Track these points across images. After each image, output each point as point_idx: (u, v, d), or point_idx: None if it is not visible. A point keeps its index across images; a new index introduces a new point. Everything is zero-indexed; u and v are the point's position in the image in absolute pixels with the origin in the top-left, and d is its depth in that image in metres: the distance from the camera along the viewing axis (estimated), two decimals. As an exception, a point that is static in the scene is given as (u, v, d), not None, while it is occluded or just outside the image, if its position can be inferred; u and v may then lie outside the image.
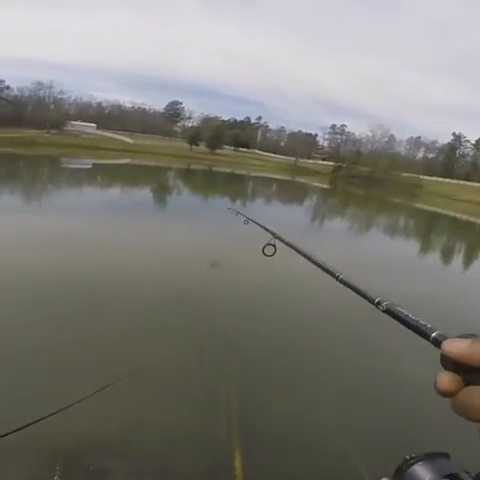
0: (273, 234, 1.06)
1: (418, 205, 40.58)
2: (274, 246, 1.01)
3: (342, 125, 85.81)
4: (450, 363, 0.33)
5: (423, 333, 0.37)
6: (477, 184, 60.31)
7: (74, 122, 64.34)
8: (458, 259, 16.19)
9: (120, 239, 9.80)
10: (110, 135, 61.42)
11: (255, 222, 1.28)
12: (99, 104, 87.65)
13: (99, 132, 64.70)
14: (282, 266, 4.34)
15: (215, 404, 3.84)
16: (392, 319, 0.41)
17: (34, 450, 3.04)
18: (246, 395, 4.06)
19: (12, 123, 49.00)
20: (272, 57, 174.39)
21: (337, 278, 0.67)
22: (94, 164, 36.47)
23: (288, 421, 3.80)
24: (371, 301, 0.48)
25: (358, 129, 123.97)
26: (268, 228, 1.14)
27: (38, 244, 8.32)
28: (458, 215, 35.65)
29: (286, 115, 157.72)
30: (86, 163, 35.86)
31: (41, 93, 64.69)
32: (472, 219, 34.00)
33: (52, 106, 63.74)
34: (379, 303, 0.45)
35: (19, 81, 75.58)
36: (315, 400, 4.18)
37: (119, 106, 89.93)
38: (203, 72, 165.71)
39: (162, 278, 7.26)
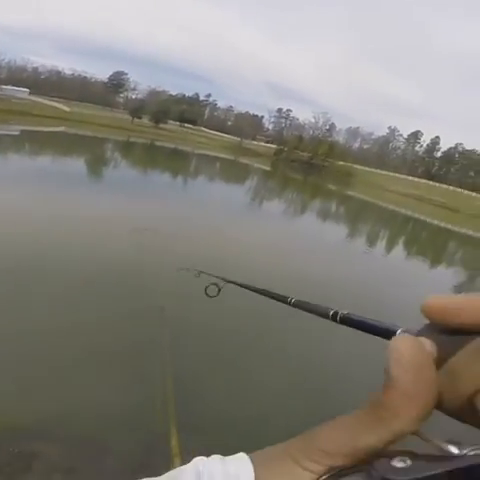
0: (222, 278, 1.00)
1: (350, 193, 43.21)
2: (217, 285, 0.96)
3: (288, 109, 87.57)
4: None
5: (387, 333, 0.32)
6: (404, 176, 65.45)
7: (4, 86, 58.98)
8: (380, 244, 17.88)
9: (43, 211, 9.47)
10: (44, 102, 57.20)
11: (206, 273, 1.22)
12: (35, 69, 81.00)
13: (32, 98, 59.93)
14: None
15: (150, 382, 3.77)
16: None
17: None
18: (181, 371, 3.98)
19: None
20: (227, 34, 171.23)
21: (289, 303, 0.64)
22: (23, 131, 34.12)
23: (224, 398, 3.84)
24: (325, 316, 0.46)
25: (302, 115, 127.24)
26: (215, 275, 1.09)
27: None
28: (385, 205, 38.68)
29: (235, 94, 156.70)
30: (14, 130, 33.45)
31: (-31, 53, 58.37)
32: (397, 209, 37.15)
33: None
34: (334, 315, 0.44)
35: None
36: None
37: (58, 72, 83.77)
38: (153, 42, 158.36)
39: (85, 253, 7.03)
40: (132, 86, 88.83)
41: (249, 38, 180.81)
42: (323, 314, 0.45)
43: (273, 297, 0.62)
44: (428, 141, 79.52)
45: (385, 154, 79.98)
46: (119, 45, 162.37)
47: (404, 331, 0.29)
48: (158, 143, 48.18)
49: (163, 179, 23.79)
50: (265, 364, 4.58)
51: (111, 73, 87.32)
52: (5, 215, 8.28)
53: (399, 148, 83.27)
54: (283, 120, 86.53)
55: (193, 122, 79.09)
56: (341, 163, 61.75)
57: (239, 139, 69.27)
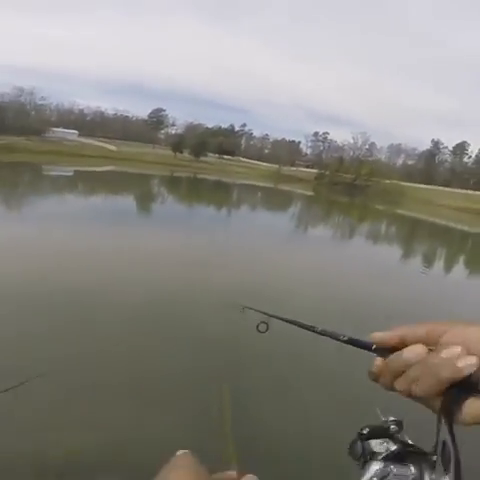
0: (268, 315, 1.04)
1: (400, 211, 41.33)
2: (267, 324, 1.00)
3: (324, 132, 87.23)
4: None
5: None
6: (455, 190, 62.04)
7: (55, 129, 63.35)
8: (438, 264, 16.59)
9: (103, 248, 9.58)
10: (92, 142, 60.70)
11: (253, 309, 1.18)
12: (81, 111, 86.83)
13: (81, 139, 63.88)
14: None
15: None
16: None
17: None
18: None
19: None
20: (257, 64, 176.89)
21: (339, 339, 0.61)
22: (76, 171, 35.87)
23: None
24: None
25: (340, 136, 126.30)
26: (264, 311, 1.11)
27: (19, 253, 8.05)
28: (437, 220, 36.51)
29: (270, 122, 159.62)
30: (67, 170, 35.23)
31: (22, 99, 63.59)
32: (451, 224, 34.85)
33: (33, 112, 62.70)
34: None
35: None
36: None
37: (101, 113, 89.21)
38: (187, 80, 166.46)
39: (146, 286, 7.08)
40: (171, 122, 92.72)
41: (277, 65, 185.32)
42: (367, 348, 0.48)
43: (321, 333, 0.65)
44: (476, 151, 75.67)
45: (432, 168, 76.77)
46: (155, 84, 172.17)
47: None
48: (200, 176, 49.04)
49: (208, 211, 23.72)
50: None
51: (150, 111, 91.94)
52: (63, 252, 8.64)
53: (446, 161, 79.76)
54: (321, 143, 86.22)
55: (231, 153, 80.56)
56: (387, 182, 59.69)
57: (277, 166, 69.32)
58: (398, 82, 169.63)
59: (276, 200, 38.93)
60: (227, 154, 78.41)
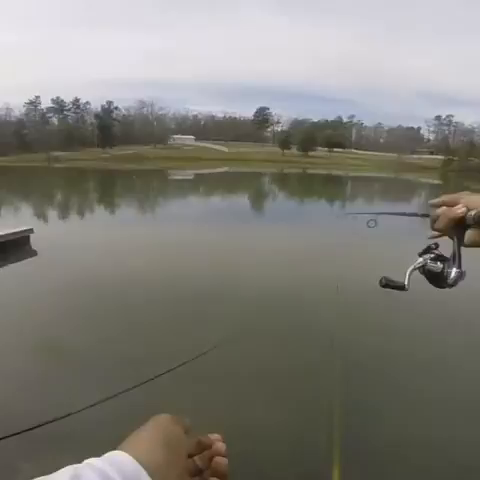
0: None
1: None
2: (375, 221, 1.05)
3: (448, 115, 77.15)
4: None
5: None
6: None
7: (175, 136, 68.83)
8: None
9: (232, 246, 9.71)
10: (207, 145, 64.33)
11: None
12: (195, 117, 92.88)
13: (197, 143, 68.26)
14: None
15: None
16: None
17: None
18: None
19: (123, 141, 54.30)
20: (357, 51, 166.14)
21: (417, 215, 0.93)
22: (196, 174, 38.26)
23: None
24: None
25: (468, 118, 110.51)
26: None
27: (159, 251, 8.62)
28: None
29: (381, 110, 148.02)
30: (189, 174, 37.79)
31: (144, 111, 70.76)
32: None
33: (155, 122, 69.20)
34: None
35: (122, 101, 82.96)
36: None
37: (212, 117, 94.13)
38: (288, 75, 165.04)
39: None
40: (276, 119, 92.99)
41: (379, 49, 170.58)
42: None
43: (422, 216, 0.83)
44: None
45: None
46: (257, 82, 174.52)
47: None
48: (310, 171, 47.84)
49: (319, 206, 22.60)
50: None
51: (255, 110, 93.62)
52: (190, 249, 9.10)
53: None
54: (445, 127, 76.55)
55: (341, 145, 77.04)
56: None
57: (396, 155, 63.73)
58: None
59: (397, 191, 35.59)
60: (337, 147, 75.18)
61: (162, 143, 60.48)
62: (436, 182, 44.40)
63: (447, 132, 75.92)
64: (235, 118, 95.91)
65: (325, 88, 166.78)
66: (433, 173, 51.89)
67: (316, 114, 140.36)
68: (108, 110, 66.31)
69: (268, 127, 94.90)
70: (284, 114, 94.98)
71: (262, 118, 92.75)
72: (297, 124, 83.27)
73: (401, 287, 0.67)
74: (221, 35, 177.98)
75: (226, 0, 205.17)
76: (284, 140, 68.05)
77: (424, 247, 0.72)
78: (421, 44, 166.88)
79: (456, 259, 0.67)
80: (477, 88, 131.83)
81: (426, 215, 0.72)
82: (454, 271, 0.66)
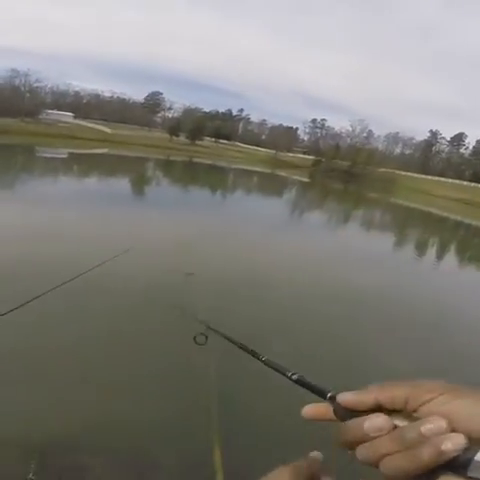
0: (206, 324, 1.06)
1: (394, 200, 41.48)
2: (206, 336, 1.02)
3: (322, 119, 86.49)
4: (342, 412, 0.38)
5: (321, 392, 0.41)
6: (451, 180, 62.12)
7: (50, 111, 62.50)
8: (431, 252, 16.84)
9: (90, 231, 9.71)
10: (87, 124, 59.99)
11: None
12: (77, 93, 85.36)
13: (76, 121, 63.11)
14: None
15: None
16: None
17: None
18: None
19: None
20: (256, 50, 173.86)
21: (262, 360, 0.62)
22: (70, 153, 35.66)
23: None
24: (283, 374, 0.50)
25: (338, 123, 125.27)
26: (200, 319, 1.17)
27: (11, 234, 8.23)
28: (432, 210, 36.72)
29: (268, 108, 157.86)
30: (62, 152, 35.03)
31: (16, 81, 62.59)
32: (445, 214, 35.10)
33: (28, 94, 61.74)
34: (291, 375, 0.48)
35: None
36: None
37: (97, 95, 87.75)
38: (185, 63, 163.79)
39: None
40: (168, 105, 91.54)
41: (275, 51, 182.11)
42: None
43: (265, 363, 0.60)
44: (473, 143, 75.56)
45: (428, 158, 76.69)
46: (153, 66, 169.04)
47: (331, 396, 0.39)
48: (196, 160, 48.82)
49: (202, 195, 23.79)
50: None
51: (147, 94, 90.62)
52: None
53: (443, 152, 79.57)
54: (318, 130, 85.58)
55: (228, 137, 79.94)
56: (382, 170, 59.68)
57: (274, 152, 68.98)
58: (397, 71, 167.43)
59: (272, 185, 38.97)
60: (224, 138, 77.84)
61: (32, 117, 54.39)
62: (305, 180, 49.80)
63: (319, 135, 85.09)
64: (124, 99, 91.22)
65: (220, 80, 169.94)
66: (304, 171, 57.88)
67: (208, 104, 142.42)
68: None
69: (159, 112, 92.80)
70: (177, 101, 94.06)
71: (154, 102, 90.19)
72: (189, 112, 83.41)
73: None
74: (121, 13, 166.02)
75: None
76: (174, 127, 67.62)
77: None
78: (311, 52, 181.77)
79: None
80: (349, 97, 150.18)
81: (317, 390, 0.43)
82: None
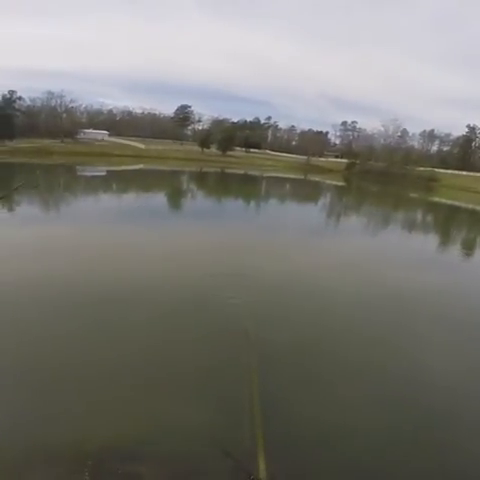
0: None
1: (435, 199, 39.80)
2: None
3: (353, 121, 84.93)
4: None
5: None
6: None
7: (86, 130, 65.07)
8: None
9: (141, 247, 9.73)
10: (122, 141, 61.94)
11: None
12: (110, 111, 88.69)
13: (111, 139, 65.37)
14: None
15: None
16: None
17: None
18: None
19: (27, 133, 49.81)
20: (279, 55, 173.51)
21: None
22: (108, 171, 36.77)
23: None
24: None
25: (370, 125, 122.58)
26: None
27: (60, 250, 8.32)
28: (477, 207, 34.94)
29: (296, 114, 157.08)
30: (101, 170, 36.19)
31: (53, 102, 65.67)
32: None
33: (64, 115, 64.61)
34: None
35: (31, 91, 75.41)
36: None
37: (129, 112, 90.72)
38: (210, 75, 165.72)
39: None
40: (197, 118, 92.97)
41: (298, 55, 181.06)
42: None
43: None
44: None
45: (468, 154, 73.12)
46: (179, 80, 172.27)
47: None
48: (228, 170, 49.04)
49: (236, 205, 23.70)
50: None
51: (176, 107, 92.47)
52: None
53: (483, 146, 75.66)
54: (350, 133, 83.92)
55: (258, 146, 79.99)
56: (421, 169, 57.45)
57: (305, 157, 68.17)
58: (424, 67, 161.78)
59: (307, 192, 38.36)
60: (254, 147, 77.95)
61: (70, 137, 56.82)
62: (340, 184, 48.74)
63: (351, 137, 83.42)
64: (154, 114, 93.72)
65: (245, 89, 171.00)
66: (338, 175, 56.75)
67: (235, 114, 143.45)
68: (10, 100, 60.54)
69: (189, 125, 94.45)
70: (205, 113, 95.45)
71: (183, 116, 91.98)
72: (217, 123, 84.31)
73: None
74: (143, 30, 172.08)
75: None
76: (204, 139, 68.48)
77: None
78: (335, 53, 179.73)
79: None
80: (378, 97, 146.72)
81: None
82: None
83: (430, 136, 78.72)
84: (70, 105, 67.41)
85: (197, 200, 24.95)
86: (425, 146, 78.47)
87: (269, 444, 3.39)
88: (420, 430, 3.79)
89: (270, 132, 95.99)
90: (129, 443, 3.34)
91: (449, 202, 37.25)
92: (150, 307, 5.95)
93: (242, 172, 47.98)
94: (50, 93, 64.86)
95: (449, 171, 60.91)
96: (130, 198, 22.33)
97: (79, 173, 33.50)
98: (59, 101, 65.85)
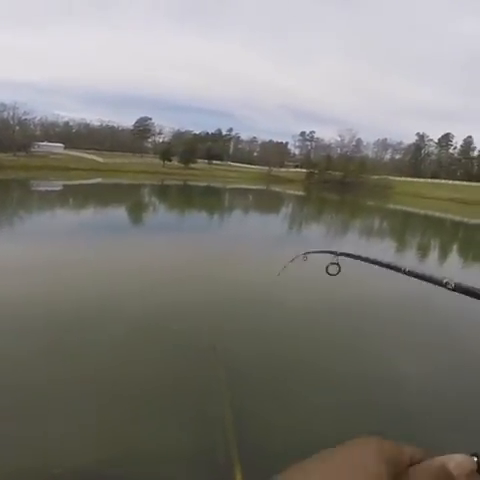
0: (335, 253, 1.04)
1: (390, 206, 41.64)
2: (338, 264, 1.00)
3: (311, 131, 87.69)
4: None
5: None
6: (444, 181, 62.71)
7: (41, 143, 62.78)
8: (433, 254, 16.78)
9: (99, 264, 9.41)
10: (79, 154, 60.23)
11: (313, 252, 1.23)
12: (66, 123, 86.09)
13: (67, 152, 63.40)
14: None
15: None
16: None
17: None
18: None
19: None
20: (240, 67, 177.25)
21: (404, 271, 0.73)
22: (65, 185, 35.49)
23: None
24: (439, 283, 0.51)
25: (327, 134, 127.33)
26: (329, 250, 1.13)
27: (14, 270, 7.85)
28: (429, 212, 36.89)
29: (257, 125, 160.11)
30: (56, 185, 34.86)
31: (4, 115, 62.96)
32: (442, 215, 35.24)
33: (17, 127, 62.05)
34: (447, 283, 0.49)
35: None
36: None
37: (86, 124, 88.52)
38: (171, 86, 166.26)
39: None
40: (157, 130, 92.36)
41: (258, 68, 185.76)
42: (436, 281, 0.48)
43: (387, 266, 0.73)
44: (461, 142, 76.90)
45: (419, 161, 77.58)
46: (138, 92, 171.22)
47: None
48: (191, 183, 48.87)
49: (200, 218, 23.62)
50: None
51: (136, 120, 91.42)
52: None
53: (432, 153, 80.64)
54: (308, 143, 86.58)
55: (220, 158, 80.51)
56: (375, 177, 60.17)
57: (267, 168, 69.43)
58: (379, 77, 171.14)
59: (268, 202, 38.92)
60: (216, 159, 78.38)
61: (24, 150, 54.55)
62: (300, 193, 49.93)
63: (309, 147, 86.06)
64: (113, 127, 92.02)
65: (207, 100, 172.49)
66: (298, 185, 58.15)
67: (197, 126, 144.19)
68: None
69: (149, 137, 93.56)
70: (166, 125, 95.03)
71: (143, 128, 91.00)
72: (179, 135, 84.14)
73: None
74: (103, 42, 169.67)
75: (112, 4, 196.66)
76: (165, 151, 68.02)
77: None
78: (293, 65, 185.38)
79: None
80: (335, 107, 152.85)
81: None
82: None
83: (383, 145, 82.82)
84: (23, 117, 64.93)
85: (158, 214, 24.56)
86: (379, 154, 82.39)
87: (244, 455, 3.30)
88: (389, 431, 3.84)
89: (232, 144, 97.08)
90: (91, 467, 3.18)
91: (404, 208, 39.10)
92: (106, 327, 5.69)
93: (205, 184, 47.96)
94: (2, 105, 62.21)
95: (402, 178, 64.25)
96: (87, 213, 21.58)
97: (33, 188, 32.06)
98: (11, 113, 63.26)
